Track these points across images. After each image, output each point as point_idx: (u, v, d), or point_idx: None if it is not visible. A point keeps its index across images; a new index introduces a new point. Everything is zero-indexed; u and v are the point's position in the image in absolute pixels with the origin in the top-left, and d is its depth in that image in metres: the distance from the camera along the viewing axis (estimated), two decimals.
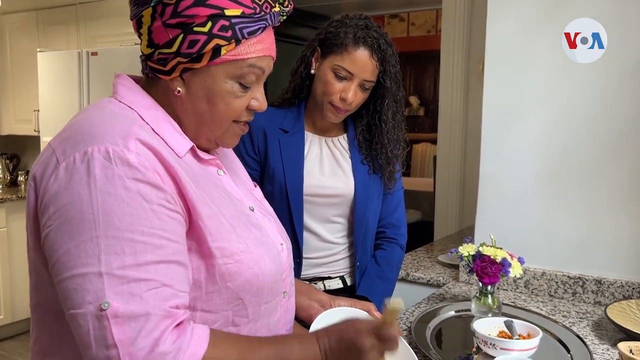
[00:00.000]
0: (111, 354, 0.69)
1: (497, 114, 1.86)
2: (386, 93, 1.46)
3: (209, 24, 0.80)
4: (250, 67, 0.85)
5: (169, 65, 0.83)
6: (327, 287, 1.54)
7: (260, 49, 0.85)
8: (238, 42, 0.82)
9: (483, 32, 1.87)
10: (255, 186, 1.05)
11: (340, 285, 1.55)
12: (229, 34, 0.81)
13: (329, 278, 1.54)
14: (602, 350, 1.37)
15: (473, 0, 2.97)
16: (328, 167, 1.51)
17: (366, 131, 1.53)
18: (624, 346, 1.21)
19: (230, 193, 0.92)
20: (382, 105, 1.47)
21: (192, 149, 0.87)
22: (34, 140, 4.00)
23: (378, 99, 1.48)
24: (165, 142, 0.82)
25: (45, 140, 3.66)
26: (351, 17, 1.44)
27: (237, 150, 1.49)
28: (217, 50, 0.82)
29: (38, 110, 3.78)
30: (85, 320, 0.70)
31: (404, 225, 1.64)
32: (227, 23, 0.81)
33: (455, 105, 3.06)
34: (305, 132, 1.52)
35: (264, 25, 0.84)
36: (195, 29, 0.80)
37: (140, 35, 0.85)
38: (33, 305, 0.86)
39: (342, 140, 1.55)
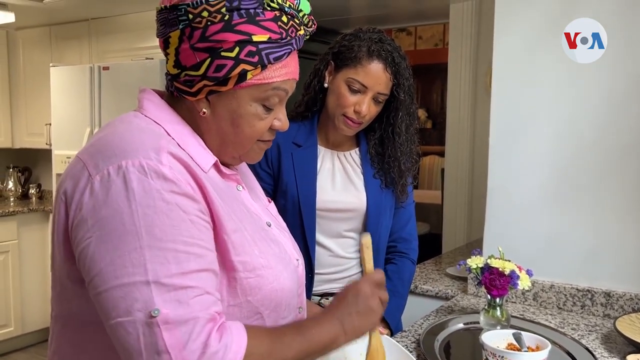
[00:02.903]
0: (163, 359, 0.71)
1: (505, 126, 1.88)
2: (400, 106, 1.47)
3: (237, 50, 0.82)
4: (275, 89, 0.87)
5: (195, 87, 0.84)
6: None
7: (285, 72, 0.87)
8: (264, 67, 0.84)
9: (490, 44, 1.89)
10: (270, 202, 1.07)
11: None
12: (256, 59, 0.83)
13: None
14: None
15: (480, 14, 2.99)
16: (340, 182, 1.52)
17: (379, 145, 1.54)
18: (633, 359, 1.21)
19: (249, 208, 0.94)
20: (396, 119, 1.48)
21: (215, 164, 0.89)
22: (46, 154, 4.04)
23: (392, 112, 1.48)
24: (191, 157, 0.84)
25: (57, 153, 3.70)
26: (364, 31, 1.45)
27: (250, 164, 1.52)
28: (243, 75, 0.83)
29: (50, 124, 3.83)
30: (135, 328, 0.72)
31: (415, 239, 1.64)
32: (254, 49, 0.82)
33: (462, 117, 3.07)
34: (318, 146, 1.52)
35: (289, 50, 0.87)
36: (223, 53, 0.82)
37: (167, 55, 0.86)
38: (55, 316, 0.88)
39: (355, 154, 1.55)
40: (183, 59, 0.83)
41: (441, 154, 6.71)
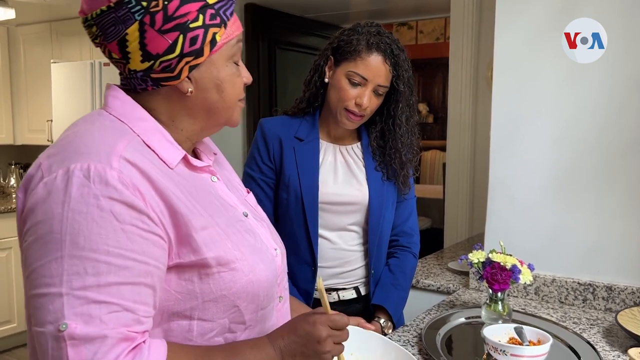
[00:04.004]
0: None
1: (506, 121, 1.87)
2: (400, 97, 1.47)
3: (201, 17, 0.82)
4: (237, 43, 0.89)
5: (177, 70, 0.83)
6: (342, 298, 1.55)
7: (238, 25, 0.89)
8: (225, 25, 0.86)
9: (491, 39, 1.89)
10: (248, 192, 1.06)
11: (354, 296, 1.56)
12: (218, 20, 0.84)
13: (343, 289, 1.55)
14: (613, 356, 1.37)
15: (481, 8, 2.98)
16: (342, 176, 1.52)
17: (380, 137, 1.55)
18: (634, 352, 1.21)
19: (224, 199, 0.92)
20: (396, 110, 1.49)
21: (184, 158, 0.88)
22: None
23: (392, 104, 1.49)
24: (156, 154, 0.83)
25: None
26: (363, 25, 1.46)
27: (252, 158, 1.53)
28: (213, 40, 0.84)
29: (51, 121, 3.83)
30: (45, 340, 0.71)
31: (417, 233, 1.65)
32: (213, 11, 0.84)
33: (464, 112, 3.07)
34: (320, 140, 1.53)
35: (233, 2, 0.89)
36: (191, 25, 0.82)
37: (127, 54, 0.82)
38: (28, 317, 0.85)
39: (356, 148, 1.57)
40: (152, 48, 0.81)
41: (443, 149, 6.72)
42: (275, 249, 0.97)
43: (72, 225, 0.72)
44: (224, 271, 0.83)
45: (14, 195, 4.30)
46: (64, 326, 0.70)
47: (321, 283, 0.93)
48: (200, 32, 0.83)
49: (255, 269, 0.88)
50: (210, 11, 0.83)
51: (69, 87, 3.65)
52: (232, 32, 0.87)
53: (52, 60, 3.77)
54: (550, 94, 1.79)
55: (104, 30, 0.81)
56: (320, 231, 1.51)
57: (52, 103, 3.74)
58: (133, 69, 0.84)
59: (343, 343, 0.91)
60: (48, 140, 4.00)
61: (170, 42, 0.81)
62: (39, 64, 4.13)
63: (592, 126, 1.73)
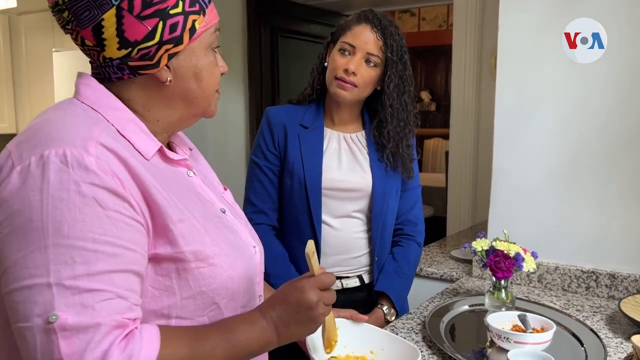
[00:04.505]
0: None
1: (510, 108, 1.87)
2: (389, 67, 1.47)
3: (181, 3, 0.80)
4: (215, 31, 0.87)
5: (156, 58, 0.80)
6: (345, 286, 1.56)
7: (215, 13, 0.87)
8: (204, 13, 0.83)
9: (495, 26, 1.88)
10: (225, 189, 1.03)
11: (358, 284, 1.57)
12: (197, 7, 0.82)
13: (347, 277, 1.56)
14: (616, 343, 1.37)
15: None
16: (346, 162, 1.54)
17: (378, 122, 1.55)
18: (637, 339, 1.22)
19: (201, 195, 0.90)
20: (385, 79, 1.49)
21: (160, 150, 0.85)
22: None
23: (384, 76, 1.49)
24: (132, 144, 0.80)
25: None
26: (360, 11, 1.52)
27: (258, 146, 1.54)
28: (193, 27, 0.82)
29: None
30: (32, 335, 0.67)
31: (422, 222, 1.66)
32: None
33: (467, 100, 3.06)
34: (325, 128, 1.55)
35: None
36: (171, 12, 0.79)
37: (102, 41, 0.78)
38: (3, 316, 0.80)
39: (360, 136, 1.58)
40: (130, 34, 0.78)
41: (445, 137, 6.71)
42: (254, 247, 0.95)
43: (53, 213, 0.68)
44: (202, 267, 0.81)
45: None
46: (54, 317, 0.67)
47: (311, 245, 0.92)
48: (180, 18, 0.80)
49: (235, 265, 0.86)
50: None
51: (71, 76, 3.59)
52: (210, 20, 0.85)
53: (54, 49, 3.76)
54: (556, 80, 1.78)
55: (77, 15, 0.77)
56: (324, 218, 1.51)
57: (55, 92, 3.74)
58: (109, 56, 0.80)
59: (346, 340, 0.92)
60: None
61: (150, 28, 0.78)
62: (40, 52, 4.12)
63: (597, 114, 1.73)
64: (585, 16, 1.70)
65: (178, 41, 0.81)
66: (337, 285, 1.55)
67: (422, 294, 1.84)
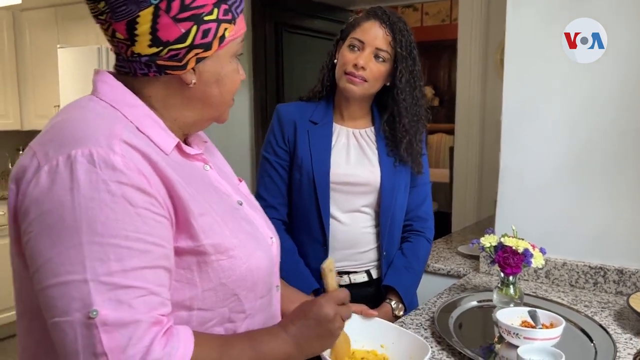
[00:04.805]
0: None
1: (518, 104, 1.86)
2: (398, 62, 1.49)
3: (215, 11, 0.83)
4: (242, 42, 0.90)
5: (184, 60, 0.82)
6: (353, 281, 1.56)
7: (243, 24, 0.90)
8: (234, 22, 0.86)
9: (501, 20, 1.87)
10: (241, 181, 1.05)
11: (366, 279, 1.58)
12: (230, 16, 0.85)
13: (355, 272, 1.56)
14: (625, 339, 1.38)
15: None
16: (354, 157, 1.55)
17: (389, 119, 1.56)
18: None
19: (218, 188, 0.92)
20: (397, 74, 1.50)
21: (177, 146, 0.87)
22: None
23: (395, 72, 1.51)
24: (151, 140, 0.81)
25: None
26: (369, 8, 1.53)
27: (268, 142, 1.56)
28: (223, 35, 0.85)
29: (58, 106, 3.83)
30: (73, 329, 0.69)
31: (431, 218, 1.66)
32: (227, 6, 0.84)
33: (473, 95, 3.05)
34: (334, 123, 1.57)
35: (243, 0, 0.90)
36: (206, 18, 0.81)
37: (134, 37, 0.80)
38: (19, 313, 0.84)
39: (370, 132, 1.59)
40: (163, 34, 0.80)
41: (448, 132, 6.70)
42: (271, 238, 0.98)
43: (86, 212, 0.70)
44: (222, 259, 0.83)
45: None
46: (94, 313, 0.69)
47: (331, 264, 0.98)
48: (213, 25, 0.83)
49: (254, 256, 0.88)
50: (224, 6, 0.84)
51: (76, 72, 3.64)
52: (238, 30, 0.88)
53: (58, 45, 3.76)
54: (563, 78, 1.78)
55: (114, 8, 0.79)
56: (333, 212, 1.53)
57: (59, 88, 3.73)
58: (137, 52, 0.81)
59: (357, 334, 0.95)
60: None
61: (183, 31, 0.80)
62: (44, 49, 4.11)
63: (605, 110, 1.72)
64: (588, 16, 1.69)
65: (208, 47, 0.83)
66: (345, 280, 1.55)
67: (429, 289, 1.84)
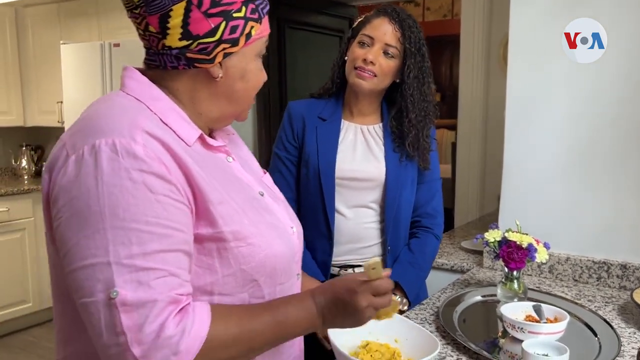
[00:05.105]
0: (120, 340, 0.73)
1: (521, 99, 1.87)
2: (407, 58, 1.51)
3: (244, 9, 0.87)
4: (266, 42, 0.94)
5: (213, 53, 0.86)
6: None
7: (268, 25, 0.93)
8: (260, 22, 0.90)
9: (503, 15, 1.88)
10: (265, 173, 1.08)
11: None
12: (257, 15, 0.89)
13: (359, 266, 1.57)
14: (629, 333, 1.39)
15: None
16: (360, 153, 1.57)
17: (397, 114, 1.57)
18: None
19: (240, 179, 0.95)
20: (405, 70, 1.51)
21: (200, 137, 0.90)
22: (58, 132, 4.05)
23: (403, 68, 1.52)
24: (174, 132, 0.85)
25: None
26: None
27: (279, 138, 1.59)
28: (249, 33, 0.88)
29: (62, 102, 3.83)
30: (97, 309, 0.73)
31: (441, 215, 1.67)
32: (254, 6, 0.88)
33: (475, 90, 3.05)
34: (343, 120, 1.59)
35: (268, 2, 0.93)
36: (234, 15, 0.86)
37: (165, 29, 0.84)
38: (55, 296, 0.89)
39: (378, 128, 1.60)
40: (194, 28, 0.84)
41: (450, 128, 6.69)
42: (292, 227, 1.00)
43: (109, 199, 0.74)
44: (241, 246, 0.86)
45: (25, 177, 4.33)
46: (114, 293, 0.73)
47: (376, 264, 0.88)
48: (241, 22, 0.86)
49: (272, 244, 0.90)
50: (251, 5, 0.88)
51: (80, 69, 3.64)
52: (263, 30, 0.91)
53: (61, 42, 3.76)
54: (569, 71, 1.78)
55: (149, 2, 0.83)
56: (339, 207, 1.54)
57: (62, 84, 3.74)
58: (168, 45, 0.85)
59: (371, 327, 0.93)
60: (59, 121, 4.01)
61: (213, 26, 0.84)
62: (47, 45, 4.11)
63: (609, 104, 1.73)
64: (588, 16, 1.69)
65: (235, 42, 0.87)
66: (350, 273, 1.56)
67: (433, 284, 1.85)
